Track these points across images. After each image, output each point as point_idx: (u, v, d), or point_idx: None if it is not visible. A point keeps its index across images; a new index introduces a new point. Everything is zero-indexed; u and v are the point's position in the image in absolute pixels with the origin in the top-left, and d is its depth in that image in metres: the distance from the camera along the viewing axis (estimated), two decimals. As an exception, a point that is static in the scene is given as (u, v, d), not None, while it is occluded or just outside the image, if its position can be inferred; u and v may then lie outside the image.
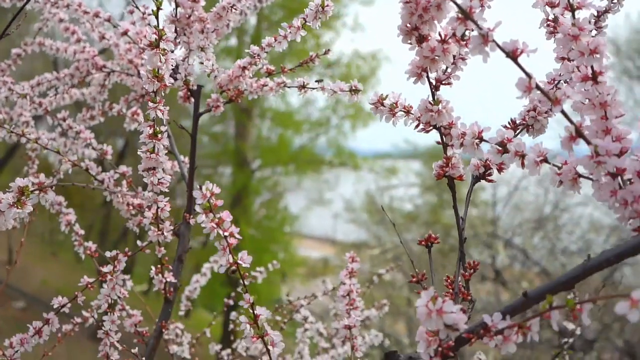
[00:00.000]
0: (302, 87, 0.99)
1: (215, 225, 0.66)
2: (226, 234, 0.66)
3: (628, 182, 0.56)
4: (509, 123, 0.74)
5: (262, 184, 11.54)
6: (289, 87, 1.01)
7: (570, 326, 1.26)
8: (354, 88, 0.89)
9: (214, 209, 0.66)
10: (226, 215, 0.67)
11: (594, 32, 0.78)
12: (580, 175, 0.59)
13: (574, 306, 0.48)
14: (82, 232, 1.14)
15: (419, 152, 11.65)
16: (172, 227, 0.97)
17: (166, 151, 1.07)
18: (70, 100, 1.42)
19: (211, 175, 11.40)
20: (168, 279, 1.03)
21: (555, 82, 0.75)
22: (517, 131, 0.74)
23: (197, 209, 0.66)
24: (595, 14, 0.79)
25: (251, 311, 0.69)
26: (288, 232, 11.32)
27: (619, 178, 0.55)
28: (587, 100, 0.60)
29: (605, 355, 5.85)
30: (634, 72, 9.36)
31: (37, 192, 0.72)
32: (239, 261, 0.67)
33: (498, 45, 0.54)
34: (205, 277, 1.57)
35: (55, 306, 0.97)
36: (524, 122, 0.74)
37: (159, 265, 1.02)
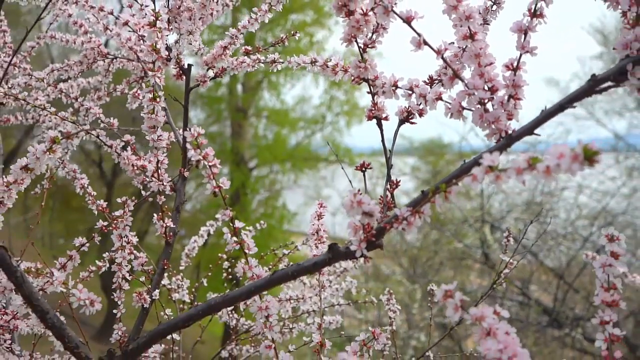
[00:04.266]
0: (273, 62, 1.22)
1: (202, 158, 0.88)
2: (211, 164, 0.88)
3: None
4: (427, 78, 0.96)
5: (259, 182, 11.73)
6: (262, 62, 1.23)
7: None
8: (313, 60, 1.11)
9: (201, 146, 0.88)
10: (210, 151, 0.89)
11: (494, 7, 1.00)
12: (464, 108, 0.81)
13: (445, 189, 0.70)
14: (94, 193, 1.35)
15: (414, 148, 11.86)
16: (170, 179, 1.19)
17: (164, 121, 1.29)
18: (78, 88, 1.65)
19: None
20: (168, 225, 1.24)
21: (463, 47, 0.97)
22: (434, 84, 0.95)
23: (188, 145, 0.87)
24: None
25: (231, 224, 0.91)
26: (287, 230, 11.51)
27: (486, 106, 0.77)
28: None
29: (595, 333, 6.06)
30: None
31: (65, 139, 0.94)
32: (220, 184, 0.89)
33: (396, 14, 0.76)
34: (202, 238, 1.80)
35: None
36: (439, 77, 0.96)
37: (160, 213, 1.24)
